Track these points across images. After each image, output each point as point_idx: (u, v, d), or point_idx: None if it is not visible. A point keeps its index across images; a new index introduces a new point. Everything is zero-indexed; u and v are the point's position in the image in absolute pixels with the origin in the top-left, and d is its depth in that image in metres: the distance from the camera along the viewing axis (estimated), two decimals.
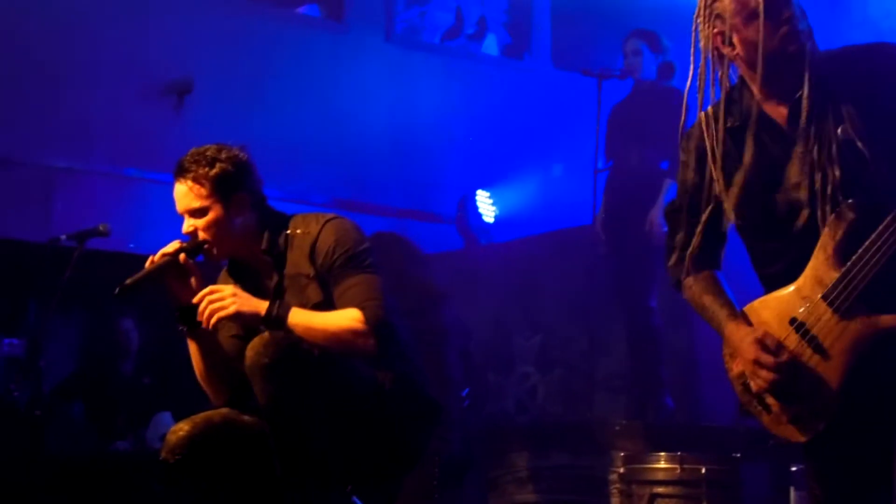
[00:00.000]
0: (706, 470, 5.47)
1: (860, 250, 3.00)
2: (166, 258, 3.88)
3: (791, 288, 3.12)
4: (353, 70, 9.22)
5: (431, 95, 9.52)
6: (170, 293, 3.92)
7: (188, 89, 8.48)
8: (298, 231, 3.96)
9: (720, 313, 3.22)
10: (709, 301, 3.26)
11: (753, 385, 3.15)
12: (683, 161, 3.33)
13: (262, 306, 3.77)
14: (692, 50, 3.21)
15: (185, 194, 3.92)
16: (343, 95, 9.13)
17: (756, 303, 3.20)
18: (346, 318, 3.77)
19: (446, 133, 9.43)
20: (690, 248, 3.28)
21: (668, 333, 6.87)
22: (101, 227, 6.41)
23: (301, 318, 3.76)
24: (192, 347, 3.99)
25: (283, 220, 4.03)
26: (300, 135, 8.95)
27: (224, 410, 3.99)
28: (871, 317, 3.03)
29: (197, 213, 3.91)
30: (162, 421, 6.84)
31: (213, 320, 3.74)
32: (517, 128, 9.58)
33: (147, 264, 3.89)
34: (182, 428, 3.89)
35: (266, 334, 3.68)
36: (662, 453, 5.64)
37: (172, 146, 8.27)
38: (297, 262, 3.93)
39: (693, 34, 3.21)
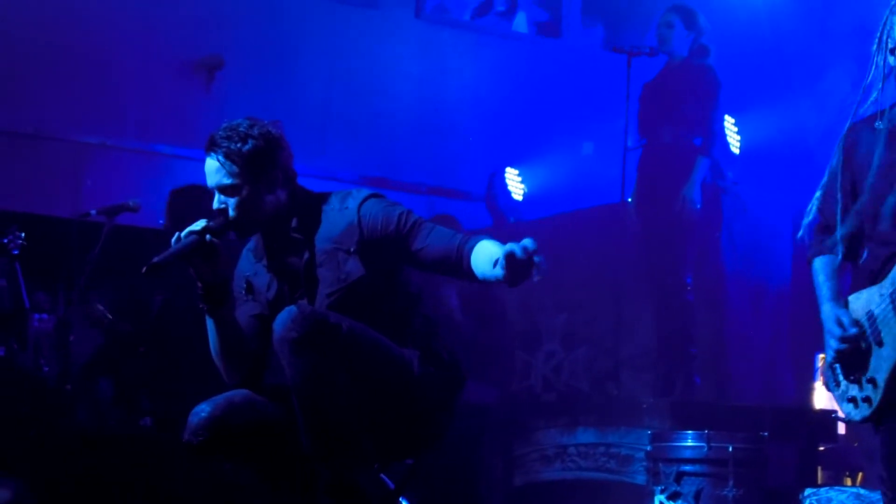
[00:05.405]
0: (733, 448, 5.48)
1: None
2: (193, 236, 3.77)
3: (878, 284, 3.45)
4: (382, 46, 9.19)
5: (461, 72, 9.49)
6: (194, 271, 3.82)
7: (219, 65, 8.49)
8: (335, 208, 3.92)
9: (824, 293, 3.65)
10: (821, 280, 3.68)
11: (827, 355, 3.57)
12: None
13: None
14: (876, 46, 3.50)
15: (216, 170, 3.84)
16: (372, 72, 9.12)
17: (853, 295, 3.58)
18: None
19: (475, 110, 9.40)
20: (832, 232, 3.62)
21: (697, 311, 6.86)
22: (130, 203, 6.45)
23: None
24: (212, 326, 3.90)
25: (314, 199, 3.97)
26: (329, 111, 8.95)
27: (245, 391, 3.93)
28: None
29: (227, 190, 3.83)
30: None
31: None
32: (547, 105, 9.54)
33: (174, 241, 3.79)
34: (203, 409, 3.83)
35: (294, 308, 3.66)
36: (689, 431, 5.64)
37: (203, 122, 8.42)
38: (333, 237, 3.88)
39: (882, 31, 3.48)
